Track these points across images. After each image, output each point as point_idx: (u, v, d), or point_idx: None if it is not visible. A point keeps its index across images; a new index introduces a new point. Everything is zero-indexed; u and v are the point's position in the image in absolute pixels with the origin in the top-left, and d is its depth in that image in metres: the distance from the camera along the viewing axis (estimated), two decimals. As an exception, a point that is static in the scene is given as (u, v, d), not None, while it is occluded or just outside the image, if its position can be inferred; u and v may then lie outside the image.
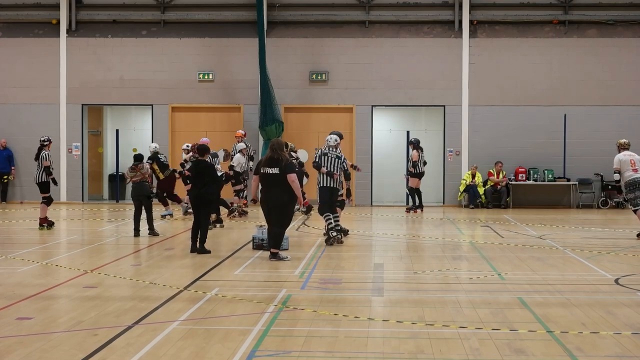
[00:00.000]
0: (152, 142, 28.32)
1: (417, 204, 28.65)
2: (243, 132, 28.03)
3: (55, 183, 22.69)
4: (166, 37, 32.09)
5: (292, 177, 16.65)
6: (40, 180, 22.48)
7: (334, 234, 19.15)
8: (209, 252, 17.51)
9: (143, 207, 21.08)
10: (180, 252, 18.00)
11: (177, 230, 22.21)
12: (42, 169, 22.41)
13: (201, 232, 17.58)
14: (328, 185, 19.31)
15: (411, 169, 28.75)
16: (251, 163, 27.05)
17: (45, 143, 22.62)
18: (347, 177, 19.66)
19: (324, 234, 20.18)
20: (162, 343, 9.88)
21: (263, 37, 30.95)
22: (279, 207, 16.71)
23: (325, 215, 19.31)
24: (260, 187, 17.02)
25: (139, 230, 20.78)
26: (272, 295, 12.77)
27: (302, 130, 31.52)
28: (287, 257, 16.77)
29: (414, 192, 28.73)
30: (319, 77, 31.54)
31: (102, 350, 9.52)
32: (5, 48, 32.31)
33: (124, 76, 31.95)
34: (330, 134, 20.13)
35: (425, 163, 28.87)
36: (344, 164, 19.45)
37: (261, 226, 18.25)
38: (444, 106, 31.54)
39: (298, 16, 31.95)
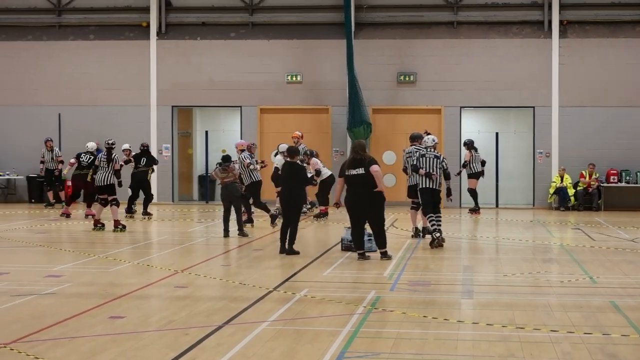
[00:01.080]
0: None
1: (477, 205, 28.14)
2: (300, 134, 27.92)
3: (120, 185, 22.81)
4: (255, 39, 32.29)
5: (375, 169, 16.65)
6: (107, 183, 22.42)
7: (438, 235, 18.94)
8: (297, 253, 17.57)
9: (232, 208, 21.17)
10: (270, 252, 18.10)
11: (266, 231, 22.33)
12: (112, 171, 22.42)
13: (290, 233, 17.64)
14: (428, 186, 19.20)
15: (462, 169, 28.33)
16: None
17: (113, 146, 22.79)
18: (447, 176, 19.49)
19: (412, 236, 20.15)
20: (252, 343, 9.94)
21: (351, 39, 30.97)
22: (372, 207, 16.72)
23: (428, 216, 19.18)
24: (345, 189, 17.06)
25: (229, 231, 20.93)
26: (361, 297, 12.78)
27: (390, 131, 31.46)
28: (392, 256, 16.90)
29: (474, 194, 28.25)
30: (407, 79, 31.46)
31: (193, 350, 9.62)
32: (96, 51, 32.81)
33: (213, 78, 32.23)
34: (411, 135, 20.66)
35: (483, 163, 28.25)
36: (443, 163, 19.40)
37: (349, 227, 18.25)
38: (533, 107, 31.23)
39: (386, 17, 31.91)
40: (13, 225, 23.92)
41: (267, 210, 23.36)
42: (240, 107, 32.35)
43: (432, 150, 19.55)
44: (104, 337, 10.20)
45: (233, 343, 9.92)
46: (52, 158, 29.60)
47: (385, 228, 17.27)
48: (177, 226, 24.39)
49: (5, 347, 9.54)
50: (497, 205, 31.43)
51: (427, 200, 19.15)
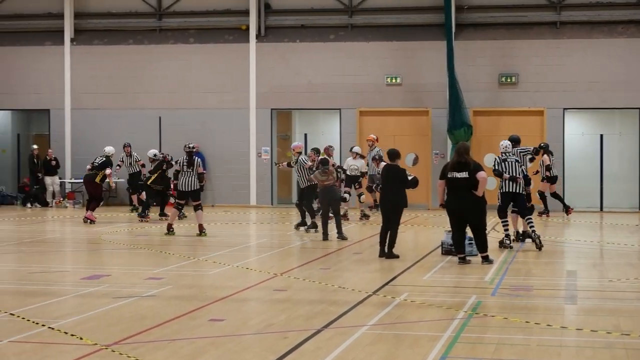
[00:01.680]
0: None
1: (547, 208, 27.74)
2: (375, 137, 27.80)
3: (202, 189, 22.73)
4: (354, 41, 32.31)
5: (482, 175, 16.51)
6: (192, 188, 22.06)
7: (506, 240, 19.16)
8: (397, 256, 17.52)
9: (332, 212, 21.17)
10: (369, 256, 18.08)
11: (365, 235, 22.31)
12: (196, 175, 22.08)
13: (390, 236, 17.59)
14: (510, 190, 19.15)
15: (547, 174, 27.85)
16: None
17: (194, 149, 22.44)
18: (528, 182, 19.59)
19: (513, 240, 19.97)
20: (351, 347, 9.93)
21: (451, 40, 30.80)
22: (474, 210, 16.61)
23: (502, 220, 19.33)
24: (446, 191, 16.96)
25: (328, 234, 20.95)
26: (462, 301, 12.69)
27: (491, 133, 31.15)
28: (493, 260, 16.78)
29: (556, 196, 27.87)
30: (509, 80, 31.16)
31: (292, 353, 9.64)
32: (196, 54, 33.18)
33: (312, 80, 32.34)
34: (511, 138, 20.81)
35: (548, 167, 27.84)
36: (524, 168, 19.23)
37: (450, 231, 18.13)
38: (639, 109, 30.68)
39: (487, 18, 31.68)
40: (114, 228, 24.30)
41: (313, 216, 22.94)
42: (340, 109, 32.40)
43: (512, 154, 19.61)
44: (204, 340, 10.29)
45: (332, 347, 9.92)
46: (131, 163, 29.60)
47: (487, 232, 17.12)
48: (275, 229, 24.51)
49: (106, 348, 9.68)
50: (601, 209, 30.94)
51: (505, 204, 19.23)
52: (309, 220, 22.98)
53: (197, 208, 22.15)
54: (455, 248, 16.99)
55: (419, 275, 15.42)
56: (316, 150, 24.63)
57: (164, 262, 17.21)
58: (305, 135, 34.21)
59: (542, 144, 27.80)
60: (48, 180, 32.76)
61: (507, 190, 19.16)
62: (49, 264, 17.23)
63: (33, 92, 34.07)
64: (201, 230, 21.99)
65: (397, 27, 32.24)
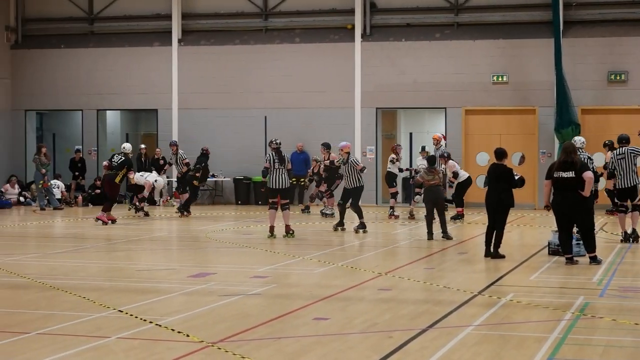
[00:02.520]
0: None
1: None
2: (440, 135, 27.52)
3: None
4: (460, 40, 32.14)
5: (589, 175, 16.29)
6: (286, 186, 21.17)
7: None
8: (503, 257, 17.36)
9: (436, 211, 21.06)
10: (474, 256, 17.97)
11: (470, 234, 22.18)
12: (287, 172, 21.32)
13: (496, 236, 17.44)
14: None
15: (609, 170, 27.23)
16: None
17: (280, 146, 21.47)
18: (596, 179, 19.45)
19: (621, 240, 19.65)
20: (456, 347, 9.88)
21: (559, 37, 30.42)
22: (581, 210, 16.38)
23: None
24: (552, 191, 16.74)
25: (433, 233, 20.87)
26: (569, 302, 12.52)
27: (600, 132, 30.66)
28: (601, 260, 16.55)
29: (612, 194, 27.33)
30: (618, 78, 30.66)
31: (397, 353, 9.63)
32: (301, 53, 33.36)
33: (417, 79, 32.24)
34: (620, 137, 20.56)
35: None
36: (593, 166, 19.22)
37: (556, 231, 17.91)
38: None
39: (596, 15, 31.23)
40: (220, 227, 24.56)
41: (361, 216, 22.62)
42: (445, 108, 32.25)
43: (582, 151, 19.40)
44: (309, 338, 10.34)
45: (437, 347, 9.88)
46: (177, 161, 29.65)
47: (595, 232, 16.88)
48: (380, 228, 24.50)
49: (212, 346, 9.79)
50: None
51: None
52: (333, 219, 22.66)
53: (285, 207, 21.17)
54: (562, 248, 16.77)
55: (525, 276, 15.27)
56: (326, 146, 24.83)
57: (269, 260, 17.33)
58: (410, 134, 34.15)
59: (607, 142, 27.52)
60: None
61: None
62: (156, 261, 17.50)
63: (141, 93, 34.65)
64: (288, 231, 21.14)
65: (504, 24, 31.98)
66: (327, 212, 27.09)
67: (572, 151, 16.57)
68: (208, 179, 31.75)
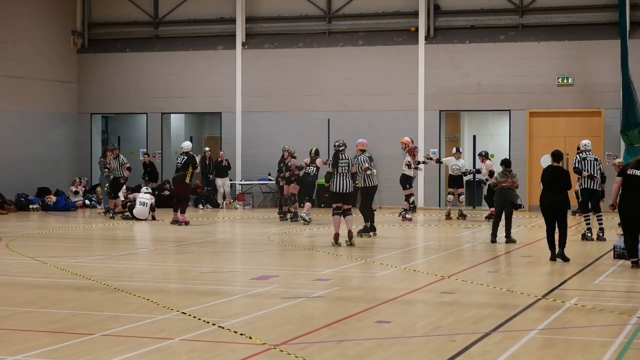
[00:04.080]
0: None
1: None
2: (407, 139, 27.80)
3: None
4: (524, 41, 31.92)
5: None
6: (348, 190, 20.25)
7: (588, 233, 21.15)
8: (568, 259, 17.22)
9: (504, 214, 20.90)
10: (538, 259, 17.83)
11: (534, 238, 22.02)
12: (351, 176, 20.44)
13: (561, 238, 17.29)
14: (588, 187, 21.09)
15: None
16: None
17: (340, 148, 20.49)
18: (602, 180, 21.31)
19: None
20: (519, 352, 9.81)
21: (625, 39, 30.10)
22: None
23: (584, 215, 21.42)
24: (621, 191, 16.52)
25: (497, 236, 20.73)
26: (635, 307, 12.38)
27: (667, 134, 30.32)
28: None
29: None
30: (685, 79, 30.22)
31: (460, 357, 9.58)
32: (365, 56, 33.35)
33: (481, 81, 32.09)
34: None
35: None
36: (600, 167, 21.07)
37: (622, 234, 17.72)
38: None
39: (663, 15, 30.88)
40: (282, 229, 24.63)
41: (371, 220, 22.15)
42: (509, 110, 32.05)
43: (590, 153, 21.50)
44: (371, 342, 10.33)
45: (500, 351, 9.82)
46: (117, 166, 29.15)
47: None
48: (443, 231, 24.41)
49: (275, 348, 9.82)
50: None
51: (584, 200, 21.35)
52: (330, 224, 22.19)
53: (347, 213, 20.17)
54: (628, 252, 16.57)
55: (589, 280, 15.14)
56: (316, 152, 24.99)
57: (332, 263, 17.34)
58: (474, 137, 33.97)
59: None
60: (219, 181, 33.47)
61: (585, 187, 21.10)
62: (219, 264, 17.60)
63: (206, 96, 34.89)
64: (350, 237, 20.02)
65: (569, 26, 31.72)
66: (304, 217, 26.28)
67: None
68: (271, 181, 31.96)
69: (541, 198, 17.75)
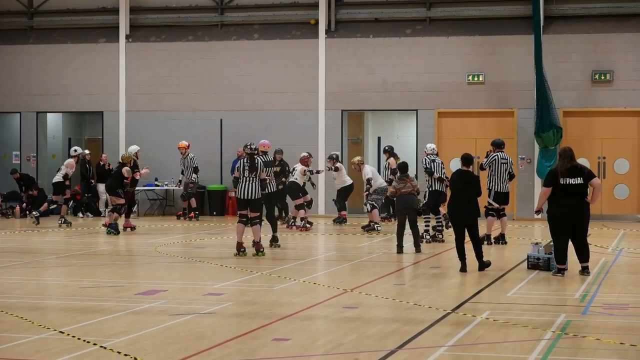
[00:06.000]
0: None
1: None
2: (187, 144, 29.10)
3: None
4: (432, 36, 32.25)
5: (598, 182, 16.83)
6: (256, 197, 20.33)
7: (427, 235, 23.02)
8: (489, 264, 17.74)
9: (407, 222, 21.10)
10: (447, 270, 18.03)
11: (443, 248, 22.25)
12: (259, 182, 20.55)
13: (475, 248, 17.57)
14: (437, 189, 23.13)
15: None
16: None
17: (257, 151, 21.38)
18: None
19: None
20: (427, 370, 9.92)
21: (540, 34, 30.58)
22: (586, 217, 16.88)
23: (425, 217, 23.16)
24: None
25: (403, 246, 20.90)
26: (550, 321, 12.60)
27: (583, 136, 30.91)
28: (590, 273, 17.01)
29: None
30: (603, 77, 30.86)
31: (363, 376, 9.66)
32: (260, 51, 33.34)
33: (386, 79, 32.32)
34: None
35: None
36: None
37: (537, 243, 18.04)
38: None
39: (579, 9, 31.44)
40: (170, 239, 24.51)
41: (275, 230, 22.52)
42: (417, 110, 32.33)
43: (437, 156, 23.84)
44: (267, 361, 10.35)
45: (406, 369, 9.91)
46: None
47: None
48: (345, 240, 24.53)
49: (162, 369, 9.78)
50: None
51: (433, 203, 23.21)
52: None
53: (255, 222, 20.27)
54: (559, 259, 16.96)
55: (502, 292, 15.35)
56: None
57: (225, 276, 17.31)
58: (379, 138, 34.24)
59: (386, 147, 29.05)
60: (101, 187, 33.07)
61: (435, 189, 23.17)
62: (101, 278, 17.42)
63: (85, 93, 34.54)
64: (258, 250, 20.25)
65: (480, 20, 32.13)
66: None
67: (573, 157, 16.87)
68: (158, 187, 31.88)
69: (449, 205, 18.05)
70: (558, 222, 16.90)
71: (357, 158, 27.67)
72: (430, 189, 23.15)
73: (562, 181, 16.69)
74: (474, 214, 17.77)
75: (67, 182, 28.58)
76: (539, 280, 16.60)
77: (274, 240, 22.24)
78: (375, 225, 26.16)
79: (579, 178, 16.65)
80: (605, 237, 24.08)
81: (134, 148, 27.60)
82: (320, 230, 27.02)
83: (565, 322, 12.55)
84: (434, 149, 24.12)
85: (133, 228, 26.65)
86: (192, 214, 30.39)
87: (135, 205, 29.19)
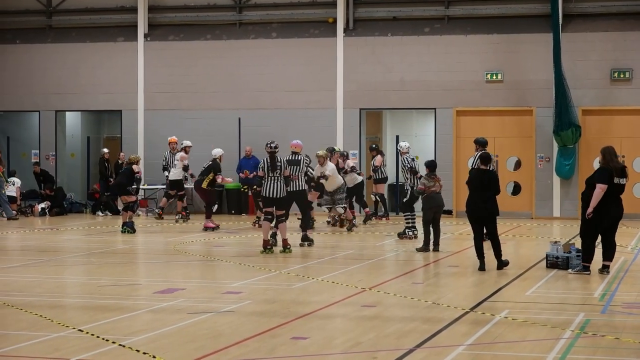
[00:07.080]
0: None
1: None
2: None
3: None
4: (451, 34, 32.19)
5: (602, 185, 16.65)
6: (281, 195, 20.75)
7: (409, 232, 23.54)
8: (507, 263, 17.76)
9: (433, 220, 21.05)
10: (466, 269, 18.01)
11: (462, 246, 22.22)
12: (284, 180, 20.97)
13: (494, 246, 17.57)
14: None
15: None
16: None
17: (276, 150, 21.32)
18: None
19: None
20: (446, 369, 9.91)
21: (558, 32, 30.51)
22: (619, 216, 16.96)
23: (406, 214, 23.55)
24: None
25: (429, 244, 20.83)
26: (569, 320, 12.57)
27: (602, 135, 30.76)
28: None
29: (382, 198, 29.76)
30: (622, 76, 30.75)
31: (382, 375, 9.66)
32: (279, 49, 33.34)
33: (404, 77, 32.27)
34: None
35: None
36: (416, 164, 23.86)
37: (556, 242, 18.01)
38: None
39: (598, 7, 31.34)
40: (189, 238, 24.52)
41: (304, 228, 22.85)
42: (435, 109, 32.29)
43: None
44: None
45: (425, 368, 9.91)
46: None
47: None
48: (364, 239, 24.51)
49: (181, 367, 9.80)
50: None
51: (412, 201, 23.40)
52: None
53: (281, 220, 20.90)
54: (590, 257, 16.98)
55: (521, 291, 15.32)
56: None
57: (243, 275, 17.31)
58: (397, 137, 34.10)
59: (372, 145, 29.89)
60: (120, 186, 33.15)
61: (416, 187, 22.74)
62: (120, 276, 17.45)
63: (104, 92, 34.60)
64: (285, 246, 20.72)
65: (499, 18, 32.07)
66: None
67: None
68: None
69: (468, 204, 17.98)
70: (601, 221, 16.78)
71: (323, 151, 26.39)
72: (413, 187, 22.78)
73: (616, 180, 16.70)
74: (493, 213, 17.73)
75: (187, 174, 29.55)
76: (558, 278, 16.57)
77: (304, 240, 22.26)
78: (354, 222, 26.67)
79: (625, 178, 16.83)
80: (625, 236, 23.96)
81: (218, 151, 27.48)
82: (339, 229, 26.98)
83: (584, 321, 12.52)
84: (409, 147, 24.56)
85: (216, 227, 26.47)
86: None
87: (215, 205, 28.86)
